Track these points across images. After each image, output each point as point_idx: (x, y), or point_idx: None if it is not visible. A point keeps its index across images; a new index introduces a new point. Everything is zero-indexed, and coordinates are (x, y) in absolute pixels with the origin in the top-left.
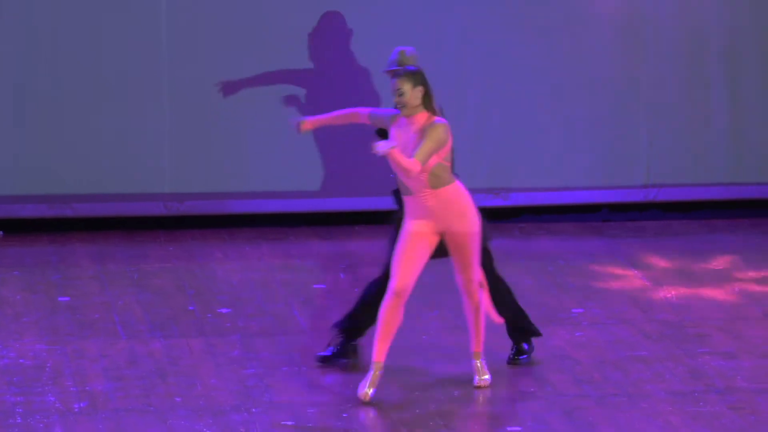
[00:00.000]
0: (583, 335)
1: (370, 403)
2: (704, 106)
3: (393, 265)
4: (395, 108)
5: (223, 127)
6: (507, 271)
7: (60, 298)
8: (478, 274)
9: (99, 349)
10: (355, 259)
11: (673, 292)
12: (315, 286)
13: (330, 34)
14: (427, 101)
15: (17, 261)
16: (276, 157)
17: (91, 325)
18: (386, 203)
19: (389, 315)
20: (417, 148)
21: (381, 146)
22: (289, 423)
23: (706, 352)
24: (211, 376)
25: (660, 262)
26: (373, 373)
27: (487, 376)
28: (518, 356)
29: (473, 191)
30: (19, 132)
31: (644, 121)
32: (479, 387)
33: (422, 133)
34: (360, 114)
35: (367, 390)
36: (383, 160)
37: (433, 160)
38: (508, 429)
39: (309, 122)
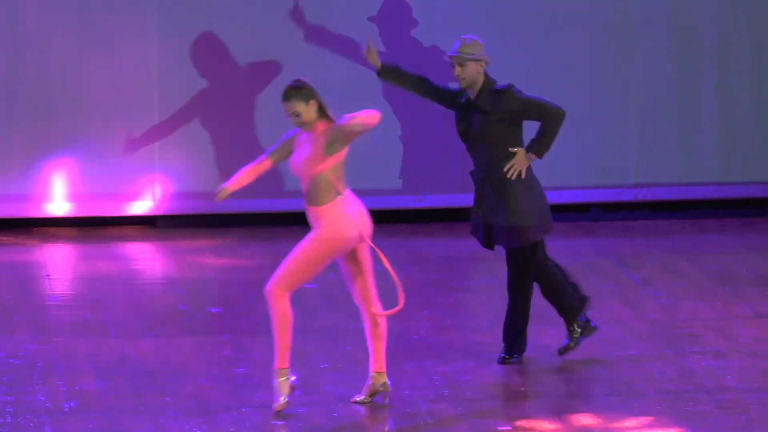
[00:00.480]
0: None
1: (360, 402)
2: (694, 106)
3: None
4: (296, 128)
5: (213, 127)
6: (497, 271)
7: (50, 298)
8: (372, 294)
9: (89, 349)
10: None
11: (663, 292)
12: (305, 285)
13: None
14: (322, 112)
15: (8, 260)
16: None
17: (81, 325)
18: (375, 202)
19: (287, 316)
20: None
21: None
22: (279, 423)
23: (696, 351)
24: (202, 376)
25: (650, 262)
26: (281, 381)
27: (369, 398)
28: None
29: (465, 192)
30: (8, 132)
31: (635, 121)
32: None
33: (325, 134)
34: (264, 163)
35: (282, 400)
36: (376, 158)
37: (322, 167)
38: (499, 428)
39: (230, 187)
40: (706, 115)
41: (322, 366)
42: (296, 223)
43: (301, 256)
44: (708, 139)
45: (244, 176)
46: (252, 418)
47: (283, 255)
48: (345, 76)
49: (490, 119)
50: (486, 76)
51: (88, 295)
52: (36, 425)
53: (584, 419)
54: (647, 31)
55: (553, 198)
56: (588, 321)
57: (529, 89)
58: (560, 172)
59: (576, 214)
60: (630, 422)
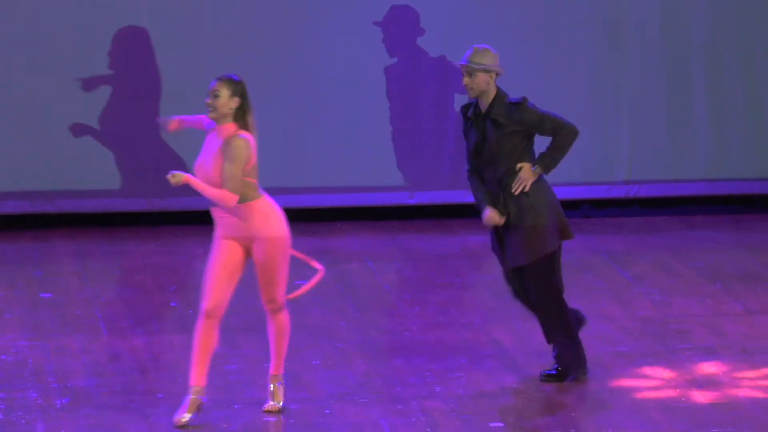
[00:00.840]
0: None
1: (353, 400)
2: (685, 103)
3: (203, 284)
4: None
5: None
6: (489, 268)
7: (42, 295)
8: (282, 294)
9: (81, 346)
10: (338, 256)
11: (654, 289)
12: (297, 282)
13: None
14: (240, 114)
15: None
16: (257, 154)
17: (72, 322)
18: (369, 199)
19: (203, 337)
20: (223, 172)
21: (174, 175)
22: (271, 419)
23: (687, 348)
24: None
25: (641, 259)
26: (192, 398)
27: (281, 402)
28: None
29: (458, 189)
30: (0, 128)
31: (626, 117)
32: (268, 411)
33: (224, 147)
34: (203, 121)
35: (185, 415)
36: (367, 155)
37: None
38: (491, 425)
39: (175, 121)
40: (697, 113)
41: (313, 363)
42: (287, 219)
43: (282, 267)
44: (698, 136)
45: (193, 121)
46: (244, 415)
47: None
48: (345, 73)
49: (504, 132)
50: (498, 88)
51: (80, 292)
52: (28, 422)
53: (576, 415)
54: (638, 28)
55: None
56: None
57: (522, 88)
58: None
59: (567, 210)
60: (622, 419)
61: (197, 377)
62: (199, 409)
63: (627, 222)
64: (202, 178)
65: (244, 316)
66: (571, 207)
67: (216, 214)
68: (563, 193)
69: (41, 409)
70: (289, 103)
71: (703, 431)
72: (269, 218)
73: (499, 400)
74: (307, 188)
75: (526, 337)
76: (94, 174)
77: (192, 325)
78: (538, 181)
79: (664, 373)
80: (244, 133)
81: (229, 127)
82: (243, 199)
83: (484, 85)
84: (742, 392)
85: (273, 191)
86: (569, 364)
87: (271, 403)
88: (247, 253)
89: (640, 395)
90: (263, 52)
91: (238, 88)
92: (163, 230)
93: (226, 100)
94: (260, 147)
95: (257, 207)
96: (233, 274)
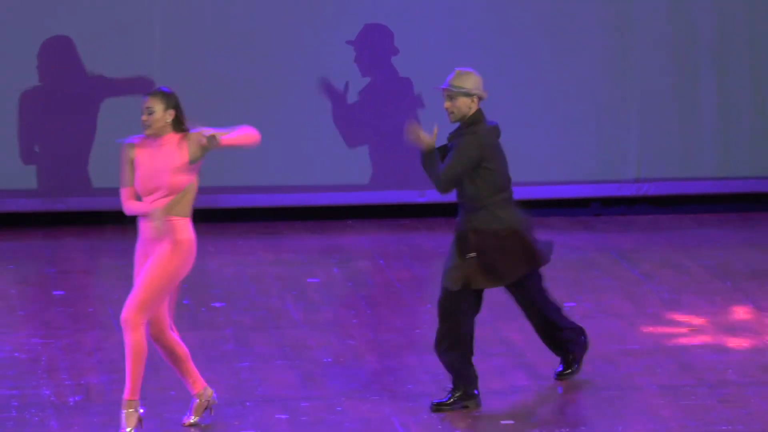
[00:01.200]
0: None
1: (364, 398)
2: (693, 101)
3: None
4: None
5: (215, 122)
6: None
7: (54, 292)
8: (144, 310)
9: (94, 343)
10: (348, 254)
11: (663, 286)
12: (308, 280)
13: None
14: (177, 124)
15: (11, 255)
16: (268, 152)
17: (85, 319)
18: (380, 197)
19: (166, 348)
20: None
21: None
22: (283, 417)
23: (697, 345)
24: (205, 370)
25: (650, 256)
26: (199, 403)
27: (198, 417)
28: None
29: None
30: (12, 127)
31: (635, 116)
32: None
33: (194, 144)
34: (132, 196)
35: (192, 418)
36: (378, 153)
37: (190, 178)
38: (502, 422)
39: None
40: (706, 111)
41: (325, 360)
42: (298, 217)
43: (161, 275)
44: (707, 135)
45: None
46: (255, 412)
47: (286, 250)
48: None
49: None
50: (477, 112)
51: (92, 290)
52: (41, 419)
53: (585, 413)
54: (646, 27)
55: (555, 193)
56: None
57: (531, 87)
58: (561, 167)
59: (577, 209)
60: (631, 416)
61: (132, 391)
62: (140, 423)
63: (636, 220)
64: (151, 189)
65: (256, 314)
66: (582, 205)
67: (141, 225)
68: (574, 192)
69: (54, 406)
70: (299, 102)
71: (712, 429)
72: (180, 231)
73: (510, 397)
74: (318, 186)
75: (535, 335)
76: (106, 171)
77: (204, 323)
78: (498, 228)
79: (673, 371)
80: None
81: (172, 136)
82: (184, 212)
83: (465, 109)
84: (752, 390)
85: (285, 190)
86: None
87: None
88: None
89: (649, 392)
90: (268, 53)
91: (171, 101)
92: None
93: (161, 115)
94: (272, 147)
95: (188, 225)
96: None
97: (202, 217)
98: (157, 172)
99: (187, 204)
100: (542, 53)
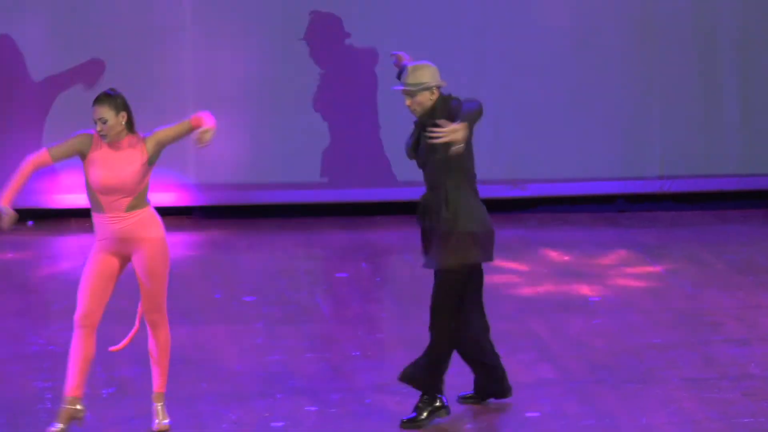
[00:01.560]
0: (599, 323)
1: (393, 390)
2: (717, 98)
3: (78, 293)
4: (99, 135)
5: (246, 119)
6: (525, 260)
7: None
8: (165, 302)
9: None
10: (376, 249)
11: (687, 281)
12: (337, 275)
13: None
14: (129, 125)
15: (46, 249)
16: (298, 149)
17: (118, 312)
18: (405, 194)
19: (80, 347)
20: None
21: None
22: (312, 409)
23: (720, 339)
24: (236, 363)
25: (674, 252)
26: (65, 408)
27: (167, 420)
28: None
29: (493, 183)
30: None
31: (658, 113)
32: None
33: (151, 143)
34: (40, 159)
35: (58, 426)
36: (390, 151)
37: (147, 179)
38: (527, 414)
39: (4, 200)
40: (728, 108)
41: (353, 354)
42: (328, 213)
43: (165, 271)
44: (730, 132)
45: (21, 177)
46: (286, 404)
47: (316, 245)
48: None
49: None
50: (438, 99)
51: (125, 284)
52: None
53: (610, 406)
54: (670, 24)
55: (580, 189)
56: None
57: (557, 84)
58: (587, 164)
59: (602, 205)
60: (655, 409)
61: (72, 387)
62: (74, 419)
63: (660, 216)
64: (110, 190)
65: (286, 308)
66: (606, 201)
67: (99, 218)
68: (599, 188)
69: (88, 398)
70: (332, 101)
71: (735, 422)
72: (152, 228)
73: (536, 390)
74: (347, 183)
75: (561, 328)
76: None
77: (235, 317)
78: (468, 197)
79: (696, 364)
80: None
81: (128, 139)
82: (135, 206)
83: (428, 102)
84: None
85: (314, 186)
86: (421, 382)
87: (156, 422)
88: (123, 264)
89: (673, 385)
90: (302, 53)
91: (120, 103)
92: (207, 223)
93: (115, 121)
94: (302, 143)
95: (145, 214)
96: (108, 283)
97: (234, 213)
98: (117, 175)
99: (145, 194)
100: (567, 52)
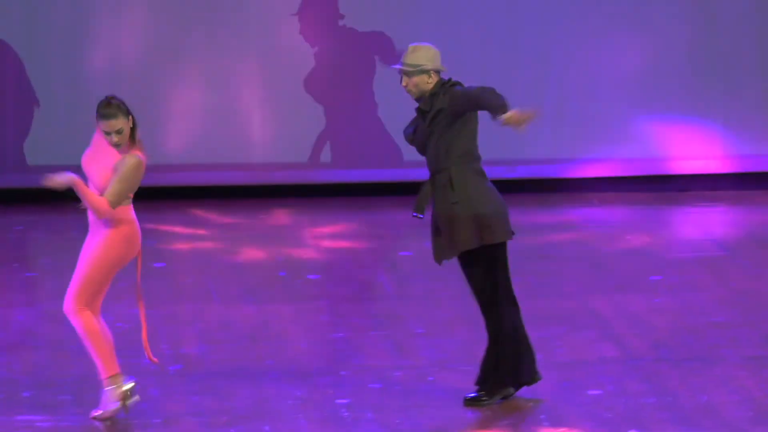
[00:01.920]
0: (660, 301)
1: (456, 368)
2: None
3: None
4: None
5: (312, 102)
6: (586, 239)
7: (155, 264)
8: (77, 297)
9: (193, 314)
10: None
11: (748, 261)
12: (401, 253)
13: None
14: (133, 132)
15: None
16: (363, 131)
17: (185, 290)
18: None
19: (96, 330)
20: (110, 185)
21: (59, 178)
22: (376, 386)
23: None
24: (301, 340)
25: (735, 231)
26: (113, 389)
27: (108, 408)
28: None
29: (553, 161)
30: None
31: (721, 93)
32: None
33: (119, 163)
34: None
35: (114, 406)
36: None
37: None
38: (589, 393)
39: (78, 179)
40: None
41: (417, 331)
42: (392, 192)
43: (101, 264)
44: None
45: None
46: (350, 381)
47: (379, 224)
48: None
49: (428, 121)
50: (436, 85)
51: (191, 262)
52: (142, 387)
53: (671, 384)
54: (731, 3)
55: (641, 169)
56: None
57: (621, 66)
58: (649, 142)
59: (664, 184)
60: (715, 387)
61: (108, 368)
62: (129, 395)
63: (722, 195)
64: (86, 174)
65: (350, 286)
66: (668, 181)
67: (91, 218)
68: (660, 168)
69: (155, 375)
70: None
71: None
72: (131, 221)
73: (598, 368)
74: (411, 162)
75: (623, 307)
76: (205, 147)
77: (300, 294)
78: (473, 179)
79: (757, 342)
80: (139, 153)
81: (126, 146)
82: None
83: (424, 85)
84: None
85: (379, 165)
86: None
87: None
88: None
89: (733, 363)
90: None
91: (124, 109)
92: (271, 203)
93: (127, 129)
94: (365, 126)
95: (127, 210)
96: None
97: (300, 192)
98: (96, 166)
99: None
100: (631, 33)
